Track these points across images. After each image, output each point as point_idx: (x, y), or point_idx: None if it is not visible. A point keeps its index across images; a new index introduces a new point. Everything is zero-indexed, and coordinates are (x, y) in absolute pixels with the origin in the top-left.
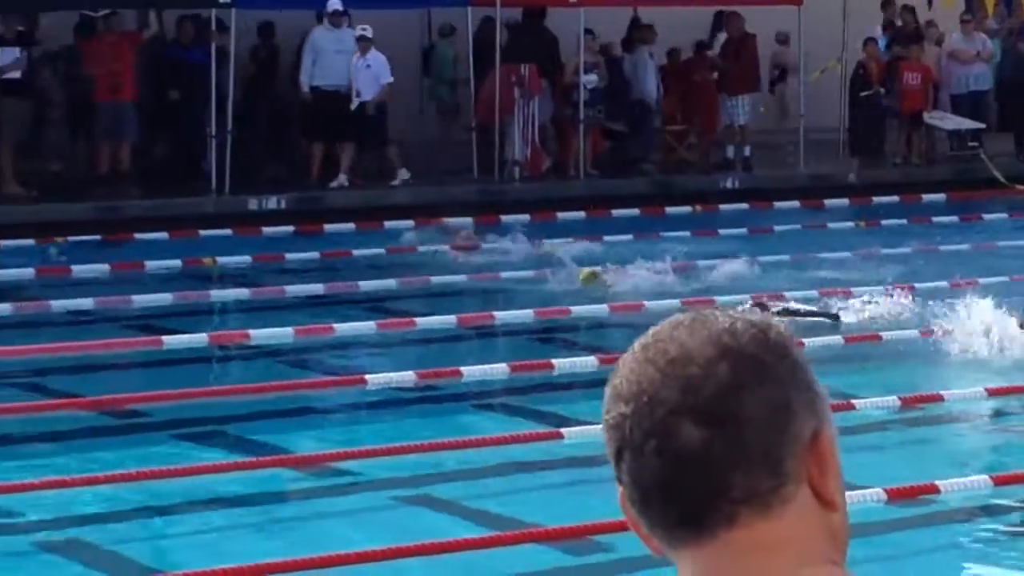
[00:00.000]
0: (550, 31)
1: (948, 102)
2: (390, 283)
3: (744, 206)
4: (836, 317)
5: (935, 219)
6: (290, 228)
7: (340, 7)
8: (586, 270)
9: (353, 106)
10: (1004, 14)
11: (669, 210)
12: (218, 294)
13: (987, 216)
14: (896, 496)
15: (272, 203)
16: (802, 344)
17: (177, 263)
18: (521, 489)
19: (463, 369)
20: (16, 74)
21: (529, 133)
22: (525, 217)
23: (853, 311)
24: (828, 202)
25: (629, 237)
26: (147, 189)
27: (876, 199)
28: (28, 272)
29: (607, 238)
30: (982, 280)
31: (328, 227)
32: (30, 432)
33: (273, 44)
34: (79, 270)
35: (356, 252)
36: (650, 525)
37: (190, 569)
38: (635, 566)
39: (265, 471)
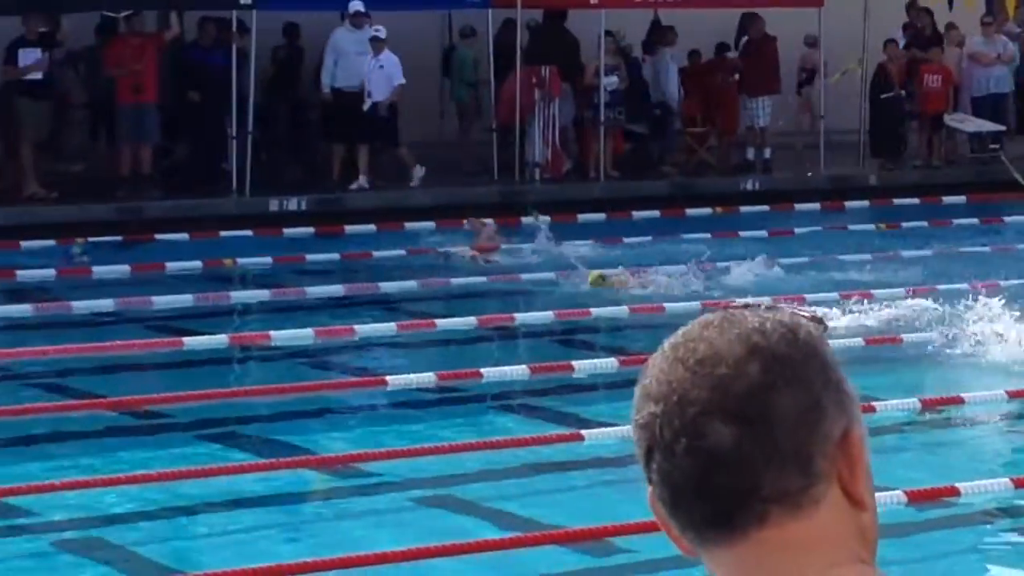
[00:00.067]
0: (571, 33)
1: (969, 104)
2: (411, 284)
3: (764, 208)
4: (820, 321)
5: (955, 221)
6: (311, 229)
7: (362, 8)
8: (595, 272)
9: (365, 107)
10: None
11: (689, 212)
12: (239, 295)
13: (1007, 218)
14: (916, 498)
15: (293, 204)
16: None
17: (198, 264)
18: (541, 490)
19: (483, 370)
20: (38, 75)
21: (549, 135)
22: (546, 218)
23: (838, 316)
24: (848, 204)
25: (649, 239)
26: (168, 190)
27: (896, 201)
28: (49, 273)
29: (627, 240)
30: (1002, 282)
31: (349, 228)
32: (51, 432)
33: (298, 46)
34: (100, 271)
35: (376, 253)
36: (681, 525)
37: (211, 569)
38: (655, 568)
39: (286, 472)
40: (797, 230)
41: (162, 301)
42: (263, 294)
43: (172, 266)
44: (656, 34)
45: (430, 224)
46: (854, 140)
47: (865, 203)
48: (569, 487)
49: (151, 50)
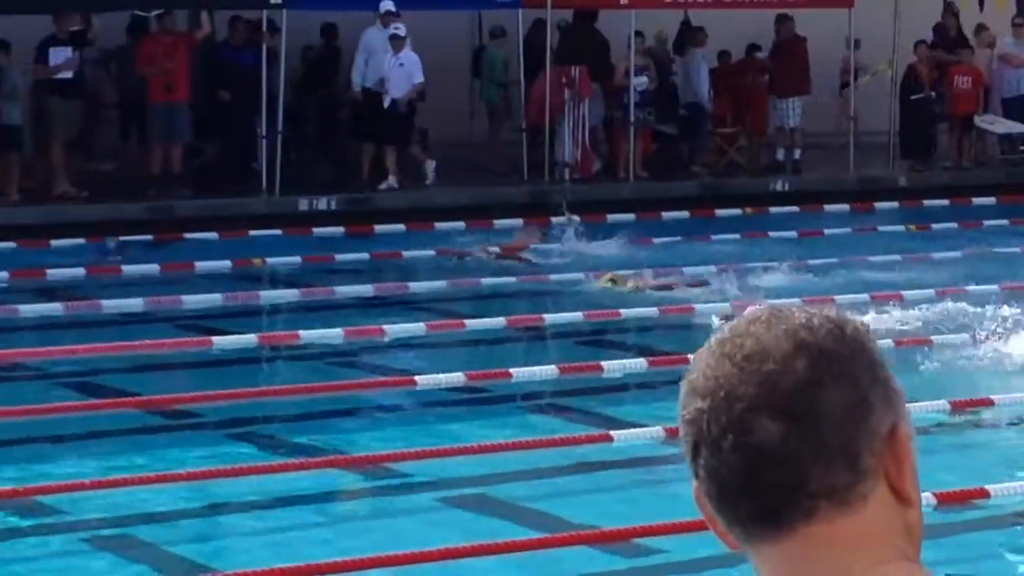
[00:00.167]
0: (601, 33)
1: (999, 105)
2: (440, 284)
3: (794, 209)
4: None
5: (985, 222)
6: (340, 229)
7: (392, 8)
8: (606, 274)
9: (386, 103)
10: None
11: (719, 212)
12: (268, 295)
13: None
14: (946, 500)
15: (322, 204)
16: None
17: (227, 264)
18: (570, 491)
19: (512, 371)
20: (68, 74)
21: (579, 135)
22: (576, 218)
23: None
24: (878, 205)
25: (678, 239)
26: (198, 190)
27: (926, 202)
28: (79, 272)
29: (656, 240)
30: None
31: (378, 228)
32: (81, 432)
33: (336, 46)
34: (130, 270)
35: (406, 253)
36: (727, 521)
37: (240, 568)
38: (685, 569)
39: (314, 472)
40: (827, 231)
41: (191, 300)
42: (292, 294)
43: (202, 265)
44: (686, 34)
45: (460, 224)
46: (884, 141)
47: (895, 204)
48: (598, 488)
49: (183, 49)
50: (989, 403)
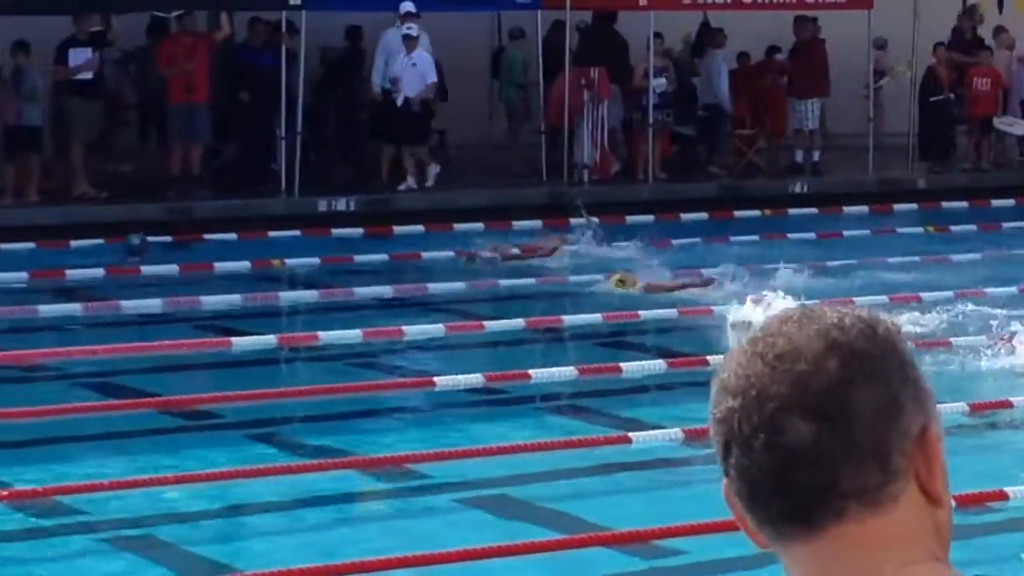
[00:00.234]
0: (620, 35)
1: (1018, 107)
2: (459, 286)
3: (813, 211)
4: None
5: (1004, 224)
6: (359, 230)
7: (412, 9)
8: (615, 275)
9: (399, 102)
10: None
11: (737, 214)
12: (287, 295)
13: None
14: (965, 503)
15: (341, 205)
16: None
17: (246, 264)
18: (589, 492)
19: (531, 372)
20: (88, 75)
21: (598, 136)
22: (594, 219)
23: None
24: (897, 207)
25: (697, 240)
26: (217, 190)
27: (945, 204)
28: (99, 272)
29: (675, 241)
30: None
31: (397, 229)
32: (101, 432)
33: (360, 48)
34: (149, 270)
35: (425, 254)
36: (758, 520)
37: (260, 569)
38: (704, 570)
39: (333, 472)
40: (846, 233)
41: (211, 301)
42: (311, 295)
43: (221, 266)
44: (705, 36)
45: (479, 225)
46: (903, 143)
47: (914, 206)
48: (617, 489)
49: (202, 50)
50: (1008, 405)
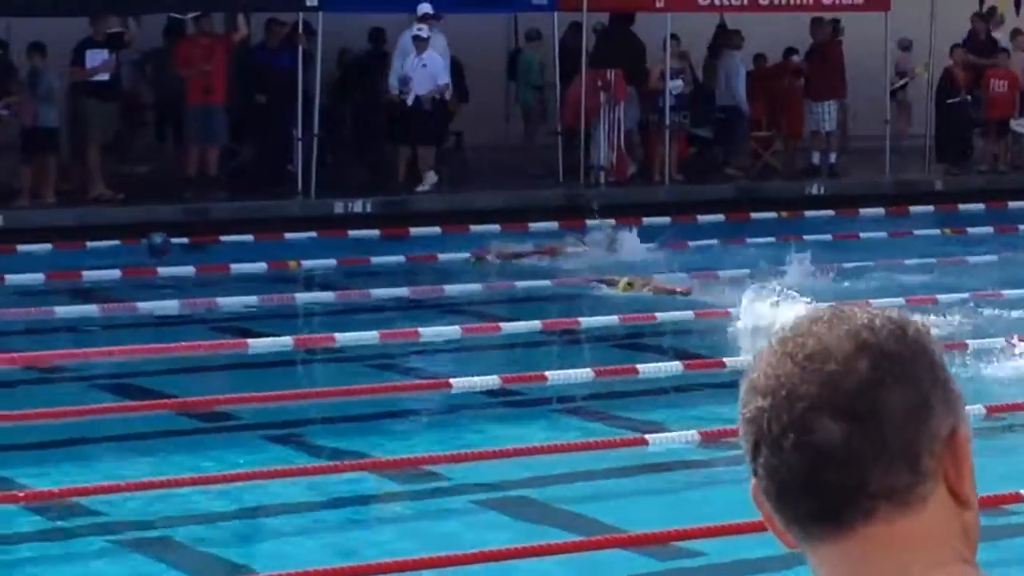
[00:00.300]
0: (637, 37)
1: None
2: (475, 287)
3: (830, 212)
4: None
5: (1021, 227)
6: (376, 232)
7: (430, 11)
8: (623, 279)
9: (409, 101)
10: None
11: (754, 216)
12: (303, 297)
13: None
14: (981, 505)
15: (358, 206)
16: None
17: (263, 266)
18: (605, 494)
19: (548, 373)
20: (105, 76)
21: (614, 138)
22: (610, 221)
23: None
24: (914, 209)
25: (714, 242)
26: (234, 192)
27: (962, 206)
28: (115, 274)
29: (691, 243)
30: None
31: (414, 231)
32: (118, 433)
33: (383, 50)
34: (165, 272)
35: (441, 256)
36: (786, 520)
37: (276, 571)
38: (721, 572)
39: (350, 474)
40: (862, 235)
41: (227, 302)
42: (328, 296)
43: (237, 267)
44: (722, 37)
45: (495, 227)
46: (920, 145)
47: (930, 208)
48: (633, 492)
49: (220, 51)
50: None
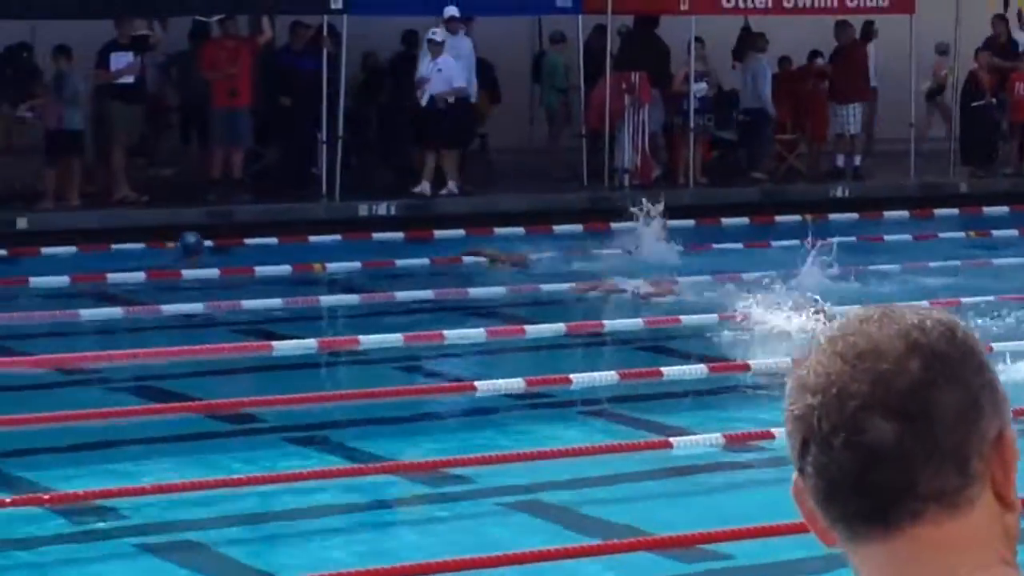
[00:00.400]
0: (661, 39)
1: None
2: (499, 290)
3: (854, 216)
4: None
5: None
6: (400, 234)
7: (456, 14)
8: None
9: (423, 101)
10: None
11: (778, 219)
12: (327, 300)
13: None
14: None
15: (382, 209)
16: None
17: (287, 268)
18: (630, 497)
19: (572, 376)
20: (130, 79)
21: (639, 141)
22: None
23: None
24: (938, 212)
25: (739, 245)
26: (258, 194)
27: (987, 209)
28: (140, 276)
29: (716, 246)
30: None
31: (438, 233)
32: (141, 436)
33: (413, 53)
34: (189, 274)
35: (466, 259)
36: (832, 518)
37: (299, 573)
38: (744, 575)
39: (373, 477)
40: (887, 237)
41: (251, 305)
42: (352, 299)
43: (261, 270)
44: (747, 40)
45: (519, 230)
46: (945, 148)
47: (955, 211)
48: (657, 494)
49: (245, 54)
50: None
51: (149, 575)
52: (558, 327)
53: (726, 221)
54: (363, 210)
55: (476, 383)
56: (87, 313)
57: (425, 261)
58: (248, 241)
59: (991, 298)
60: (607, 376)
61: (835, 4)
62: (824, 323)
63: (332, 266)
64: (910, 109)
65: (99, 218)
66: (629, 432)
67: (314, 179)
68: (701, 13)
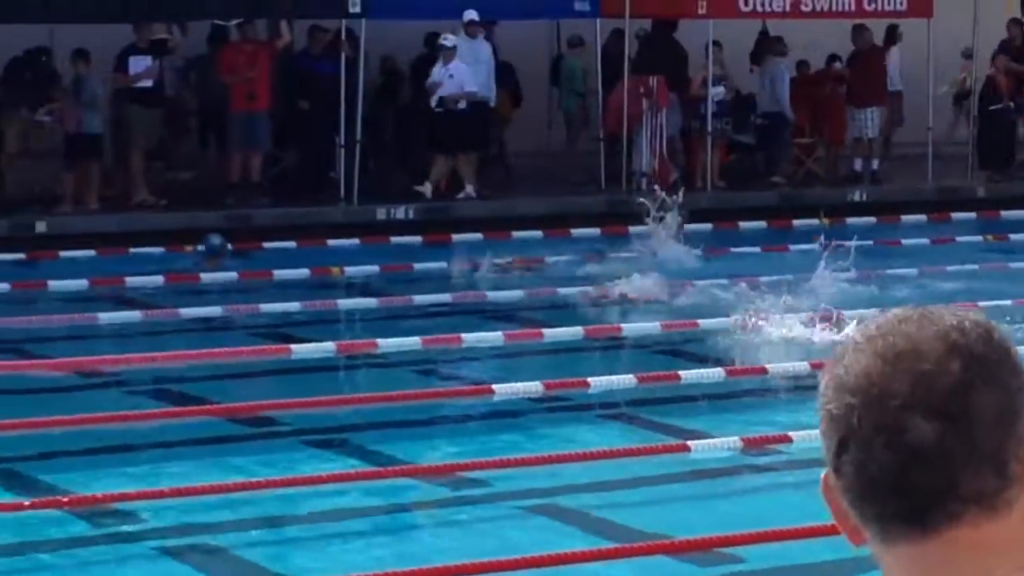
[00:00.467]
0: (679, 44)
1: None
2: (517, 294)
3: (872, 219)
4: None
5: None
6: (418, 238)
7: (476, 18)
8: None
9: (433, 103)
10: None
11: (796, 223)
12: (346, 303)
13: None
14: None
15: (400, 213)
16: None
17: (305, 272)
18: (647, 501)
19: (590, 380)
20: (148, 83)
21: (657, 145)
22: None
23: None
24: (956, 216)
25: (756, 249)
26: (276, 198)
27: (1004, 213)
28: (158, 280)
29: (734, 250)
30: None
31: (456, 237)
32: (159, 439)
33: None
34: (208, 278)
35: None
36: (865, 518)
37: None
38: None
39: (391, 480)
40: (904, 241)
41: (270, 308)
42: (370, 302)
43: (280, 274)
44: (764, 44)
45: (537, 233)
46: (962, 152)
47: (972, 215)
48: (675, 498)
49: (264, 58)
50: None
51: None
52: (576, 330)
53: (744, 225)
54: (381, 214)
55: (494, 386)
56: (106, 316)
57: (443, 264)
58: (266, 245)
59: (1008, 302)
60: (625, 379)
61: (853, 8)
62: (836, 329)
63: (350, 269)
64: (928, 113)
65: (117, 222)
66: (647, 435)
67: (332, 183)
68: (719, 17)
